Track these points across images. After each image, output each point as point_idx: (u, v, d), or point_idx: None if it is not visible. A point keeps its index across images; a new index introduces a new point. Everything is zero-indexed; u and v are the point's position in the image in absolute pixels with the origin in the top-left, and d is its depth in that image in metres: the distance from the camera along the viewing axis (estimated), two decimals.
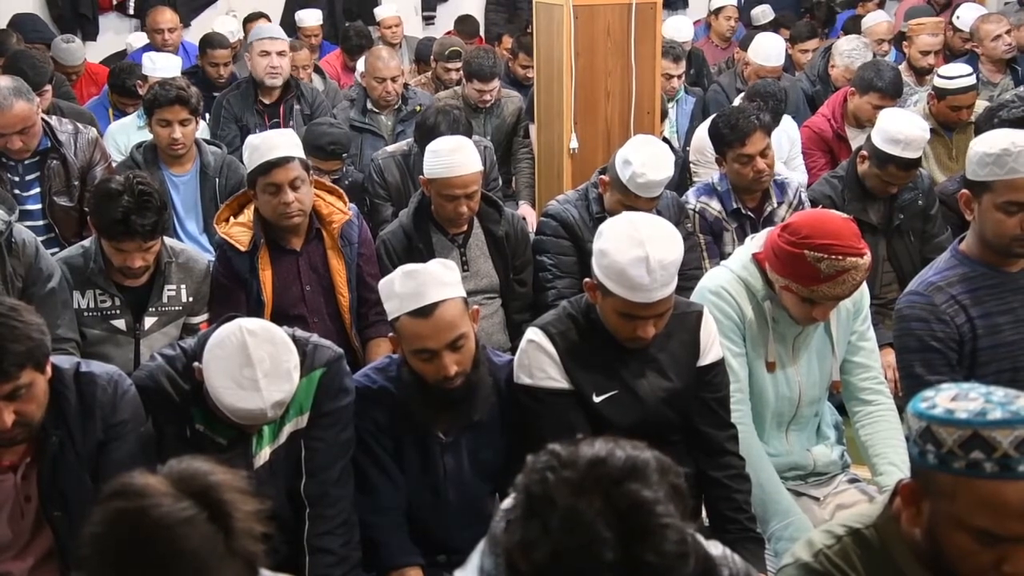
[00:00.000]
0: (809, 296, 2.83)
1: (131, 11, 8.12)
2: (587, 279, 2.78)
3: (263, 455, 2.72)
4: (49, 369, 2.43)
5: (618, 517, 1.39)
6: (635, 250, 2.58)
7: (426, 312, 2.63)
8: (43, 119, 4.23)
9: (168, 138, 4.37)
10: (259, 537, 1.56)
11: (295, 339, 2.76)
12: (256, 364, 2.46)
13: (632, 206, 3.70)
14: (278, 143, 3.64)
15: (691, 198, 4.32)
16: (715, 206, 4.28)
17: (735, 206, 4.25)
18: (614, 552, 1.37)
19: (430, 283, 2.65)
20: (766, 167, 4.18)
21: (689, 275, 4.00)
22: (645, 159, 3.78)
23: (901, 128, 4.16)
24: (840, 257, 2.74)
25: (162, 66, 5.62)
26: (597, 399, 2.74)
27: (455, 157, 3.81)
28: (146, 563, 1.49)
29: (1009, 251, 2.98)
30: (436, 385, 2.69)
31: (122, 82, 5.89)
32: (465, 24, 8.38)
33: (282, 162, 3.59)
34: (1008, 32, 6.32)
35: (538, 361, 2.76)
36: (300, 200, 3.62)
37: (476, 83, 5.76)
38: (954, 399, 1.69)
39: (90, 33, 7.97)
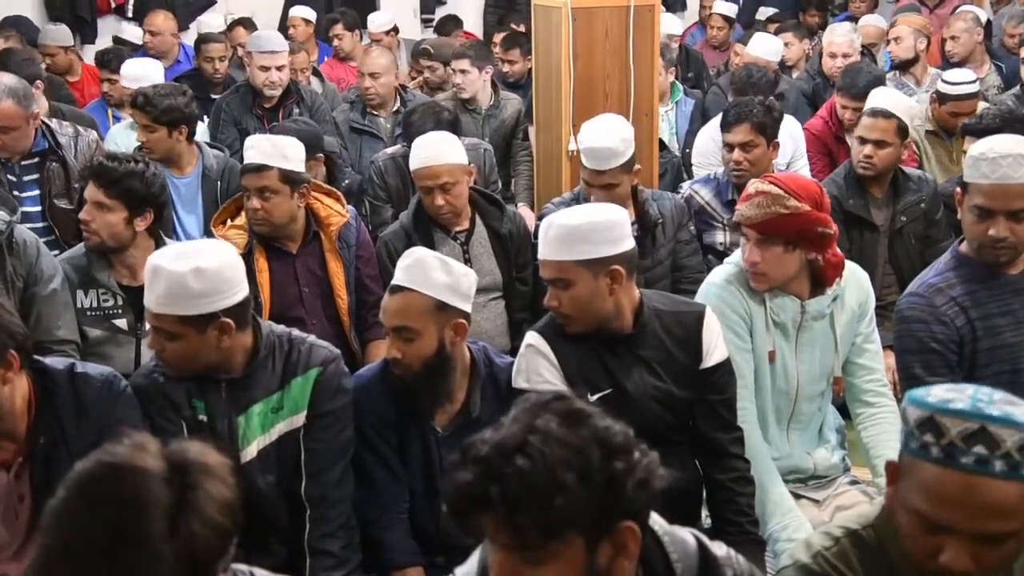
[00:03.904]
0: (737, 220, 2.97)
1: (129, 14, 8.11)
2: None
3: (250, 450, 2.72)
4: (14, 370, 2.39)
5: (522, 431, 1.53)
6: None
7: (392, 290, 2.80)
8: (43, 121, 4.21)
9: (139, 140, 4.45)
10: (220, 533, 1.49)
11: (291, 340, 2.76)
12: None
13: (588, 181, 3.88)
14: (264, 150, 3.67)
15: (684, 186, 4.33)
16: (705, 194, 4.28)
17: (731, 198, 4.20)
18: (494, 457, 1.52)
19: (412, 268, 2.76)
20: (743, 159, 4.18)
21: (693, 279, 4.00)
22: (591, 128, 3.88)
23: (885, 90, 4.31)
24: (764, 181, 2.91)
25: (134, 76, 5.38)
26: (591, 399, 2.73)
27: (430, 150, 3.85)
28: (88, 495, 1.48)
29: (979, 255, 2.98)
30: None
31: (110, 59, 5.96)
32: (444, 26, 8.38)
33: (257, 168, 3.64)
34: (954, 38, 6.46)
35: (535, 365, 2.77)
36: (266, 210, 3.65)
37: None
38: (947, 391, 1.70)
39: (88, 36, 7.95)
